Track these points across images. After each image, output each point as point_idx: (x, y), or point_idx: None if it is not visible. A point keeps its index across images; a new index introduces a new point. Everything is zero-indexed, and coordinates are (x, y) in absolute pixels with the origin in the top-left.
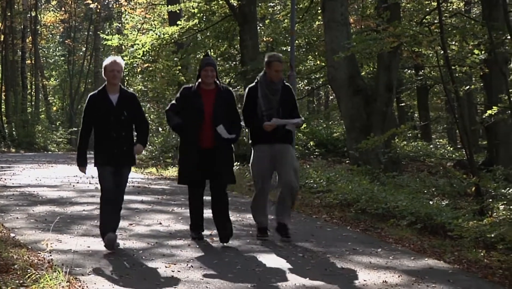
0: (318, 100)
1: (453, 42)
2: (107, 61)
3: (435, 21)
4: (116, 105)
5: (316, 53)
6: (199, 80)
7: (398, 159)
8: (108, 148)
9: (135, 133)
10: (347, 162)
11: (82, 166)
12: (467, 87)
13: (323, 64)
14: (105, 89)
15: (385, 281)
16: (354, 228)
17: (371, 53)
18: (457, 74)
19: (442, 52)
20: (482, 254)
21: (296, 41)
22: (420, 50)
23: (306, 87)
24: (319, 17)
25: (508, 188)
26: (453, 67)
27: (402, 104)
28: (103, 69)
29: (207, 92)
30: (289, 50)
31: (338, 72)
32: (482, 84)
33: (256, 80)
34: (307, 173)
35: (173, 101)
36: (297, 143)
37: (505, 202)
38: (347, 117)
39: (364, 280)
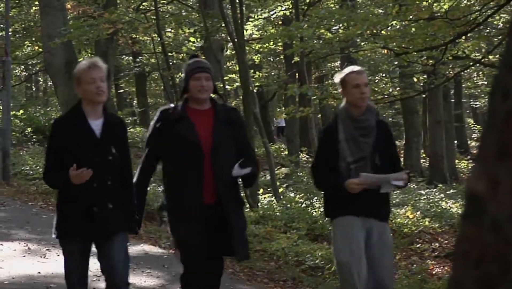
0: (37, 87)
1: (170, 29)
2: (81, 66)
3: (152, 8)
4: (101, 137)
5: (34, 39)
6: (186, 96)
7: None
8: (84, 205)
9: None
10: None
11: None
12: None
13: (41, 50)
14: (82, 111)
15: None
16: None
17: (89, 40)
18: (174, 61)
19: (158, 39)
20: None
21: (12, 26)
22: (137, 37)
23: (23, 73)
24: (36, 2)
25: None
26: (169, 54)
27: (121, 90)
28: (76, 80)
29: (201, 115)
30: (4, 35)
31: (54, 58)
32: None
33: (333, 117)
34: (23, 160)
35: (148, 137)
36: (14, 130)
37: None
38: (64, 103)
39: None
